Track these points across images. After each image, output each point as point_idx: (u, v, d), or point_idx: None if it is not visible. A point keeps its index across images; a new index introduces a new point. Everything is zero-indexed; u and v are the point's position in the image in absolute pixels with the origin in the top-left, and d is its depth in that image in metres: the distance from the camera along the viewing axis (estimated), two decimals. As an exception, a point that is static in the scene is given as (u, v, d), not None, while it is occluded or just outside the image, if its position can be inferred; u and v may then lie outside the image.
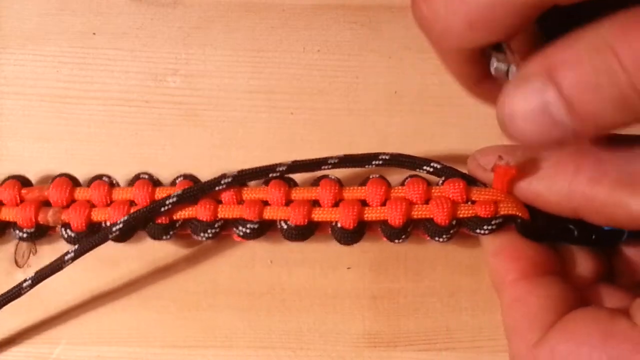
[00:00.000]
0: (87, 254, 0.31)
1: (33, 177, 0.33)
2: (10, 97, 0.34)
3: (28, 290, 0.30)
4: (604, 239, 0.29)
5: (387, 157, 0.30)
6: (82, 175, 0.33)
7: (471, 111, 0.33)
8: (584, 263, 0.30)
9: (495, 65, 0.26)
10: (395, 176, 0.31)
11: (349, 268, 0.33)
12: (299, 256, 0.33)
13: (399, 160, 0.30)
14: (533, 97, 0.23)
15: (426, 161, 0.30)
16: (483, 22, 0.24)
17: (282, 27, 0.34)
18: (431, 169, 0.30)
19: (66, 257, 0.30)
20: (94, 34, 0.34)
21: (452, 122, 0.33)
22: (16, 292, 0.31)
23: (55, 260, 0.30)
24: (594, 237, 0.29)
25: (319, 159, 0.30)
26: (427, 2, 0.25)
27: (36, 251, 0.33)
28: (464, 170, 0.31)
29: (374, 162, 0.30)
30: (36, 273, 0.30)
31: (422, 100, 0.34)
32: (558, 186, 0.27)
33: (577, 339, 0.26)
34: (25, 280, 0.30)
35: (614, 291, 0.29)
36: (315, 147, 0.33)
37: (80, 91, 0.34)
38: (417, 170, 0.30)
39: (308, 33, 0.34)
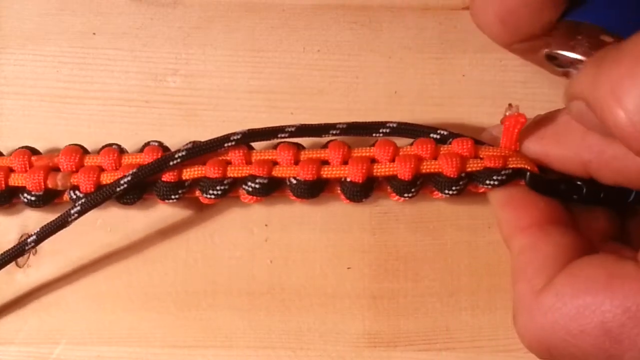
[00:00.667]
0: (87, 255, 0.31)
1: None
2: (10, 97, 0.34)
3: (32, 247, 0.30)
4: (612, 197, 0.29)
5: (394, 125, 0.31)
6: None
7: (471, 111, 0.33)
8: (595, 221, 0.30)
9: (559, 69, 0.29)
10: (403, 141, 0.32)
11: (349, 268, 0.33)
12: (299, 255, 0.33)
13: (405, 129, 0.31)
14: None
15: (432, 129, 0.31)
16: (512, 18, 0.25)
17: (282, 27, 0.34)
18: (438, 136, 0.31)
19: (72, 211, 0.30)
20: (94, 34, 0.34)
21: (452, 122, 0.33)
22: (20, 250, 0.31)
23: (61, 215, 0.30)
24: (602, 195, 0.29)
25: (327, 124, 0.31)
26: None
27: (36, 251, 0.33)
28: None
29: (381, 130, 0.31)
30: (41, 229, 0.30)
31: (422, 100, 0.34)
32: (569, 140, 0.27)
33: (582, 281, 0.25)
34: (29, 236, 0.30)
35: (624, 249, 0.29)
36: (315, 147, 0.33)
37: (80, 91, 0.34)
38: (423, 137, 0.31)
39: (308, 33, 0.34)
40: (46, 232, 0.30)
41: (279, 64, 0.34)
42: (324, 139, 0.32)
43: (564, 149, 0.28)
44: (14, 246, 0.31)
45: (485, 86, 0.34)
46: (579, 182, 0.29)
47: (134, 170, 0.30)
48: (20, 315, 0.33)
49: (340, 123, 0.31)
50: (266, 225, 0.33)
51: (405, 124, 0.31)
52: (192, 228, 0.33)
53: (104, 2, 0.34)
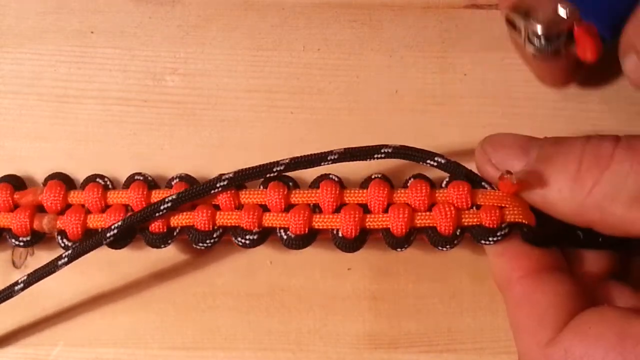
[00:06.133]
0: (87, 256, 0.30)
1: (31, 177, 0.33)
2: (8, 96, 0.34)
3: (20, 292, 0.30)
4: (611, 243, 0.28)
5: (389, 151, 0.29)
6: (80, 175, 0.33)
7: (472, 110, 0.33)
8: (592, 260, 0.30)
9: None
10: (399, 168, 0.31)
11: (349, 269, 0.33)
12: (299, 257, 0.33)
13: (402, 153, 0.30)
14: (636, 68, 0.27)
15: (430, 154, 0.30)
16: None
17: (281, 26, 0.34)
18: (435, 164, 0.30)
19: (59, 262, 0.30)
20: (92, 32, 0.34)
21: (453, 122, 0.33)
22: (8, 294, 0.30)
23: (48, 263, 0.30)
24: (601, 240, 0.28)
25: (319, 154, 0.29)
26: None
27: (33, 252, 0.33)
28: (468, 165, 0.30)
29: (376, 156, 0.30)
30: (29, 275, 0.30)
31: (423, 100, 0.33)
32: (574, 199, 0.26)
33: (592, 340, 0.25)
34: (17, 283, 0.30)
35: (624, 288, 0.28)
36: (315, 147, 0.33)
37: (78, 90, 0.34)
38: (421, 163, 0.30)
39: (308, 32, 0.34)
40: (34, 278, 0.30)
41: (278, 63, 0.34)
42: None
43: (567, 207, 0.27)
44: (1, 290, 0.30)
45: (486, 85, 0.33)
46: (578, 232, 0.28)
47: (119, 224, 0.29)
48: (18, 316, 0.32)
49: (334, 151, 0.30)
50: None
51: (402, 147, 0.30)
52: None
53: (102, 1, 0.34)
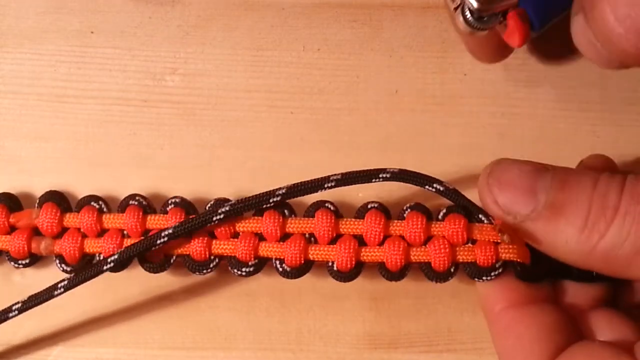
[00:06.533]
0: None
1: (30, 177, 0.33)
2: (8, 97, 0.34)
3: (16, 316, 0.30)
4: (605, 277, 0.28)
5: (387, 175, 0.29)
6: (80, 175, 0.33)
7: (472, 110, 0.33)
8: (581, 288, 0.29)
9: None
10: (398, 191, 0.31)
11: (349, 269, 0.33)
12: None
13: (400, 178, 0.29)
14: (580, 30, 0.26)
15: (429, 180, 0.29)
16: None
17: (281, 26, 0.34)
18: (433, 190, 0.29)
19: (55, 292, 0.30)
20: (92, 32, 0.34)
21: (453, 121, 0.33)
22: (3, 318, 0.30)
23: (44, 291, 0.30)
24: (594, 275, 0.28)
25: (317, 180, 0.29)
26: None
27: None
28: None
29: (374, 180, 0.29)
30: (23, 303, 0.30)
31: (423, 99, 0.33)
32: (580, 250, 0.26)
33: None
34: (11, 309, 0.30)
35: (613, 316, 0.28)
36: (315, 147, 0.33)
37: (78, 90, 0.34)
38: (420, 186, 0.30)
39: (308, 32, 0.34)
40: (31, 304, 0.30)
41: (278, 63, 0.34)
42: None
43: (570, 254, 0.26)
44: None
45: (486, 85, 0.33)
46: (570, 268, 0.28)
47: (116, 256, 0.29)
48: (18, 317, 0.32)
49: (331, 177, 0.29)
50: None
51: (401, 172, 0.29)
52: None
53: (102, 1, 0.34)
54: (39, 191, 0.32)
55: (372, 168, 0.29)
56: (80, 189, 0.33)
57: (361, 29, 0.34)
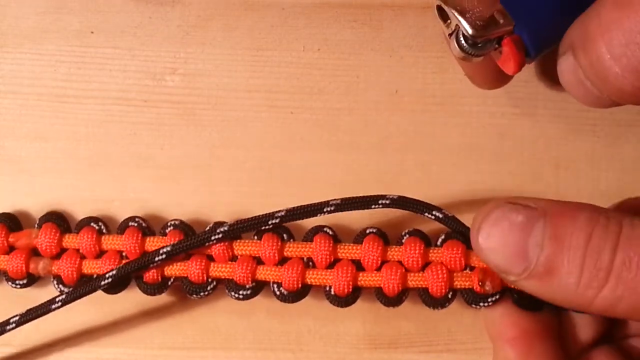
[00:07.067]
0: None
1: (30, 177, 0.33)
2: (8, 97, 0.34)
3: (13, 329, 0.30)
4: None
5: (387, 202, 0.29)
6: (80, 175, 0.33)
7: (472, 110, 0.33)
8: (585, 322, 0.30)
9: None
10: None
11: (349, 269, 0.33)
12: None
13: (400, 204, 0.29)
14: (569, 69, 0.26)
15: (428, 207, 0.29)
16: None
17: (281, 26, 0.34)
18: (432, 217, 0.29)
19: (52, 306, 0.30)
20: (92, 32, 0.34)
21: (453, 122, 0.33)
22: (0, 330, 0.31)
23: (41, 305, 0.30)
24: None
25: (316, 204, 0.29)
26: None
27: (33, 252, 0.33)
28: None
29: (373, 206, 0.30)
30: (20, 316, 0.30)
31: (423, 100, 0.33)
32: (576, 306, 0.26)
33: None
34: (8, 322, 0.30)
35: (610, 355, 0.29)
36: (315, 147, 0.33)
37: (78, 90, 0.34)
38: (419, 214, 0.30)
39: (308, 32, 0.34)
40: (29, 317, 0.30)
41: (278, 63, 0.34)
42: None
43: (567, 305, 0.26)
44: None
45: (487, 85, 0.33)
46: None
47: (113, 273, 0.30)
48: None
49: (330, 202, 0.29)
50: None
51: (402, 198, 0.29)
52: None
53: (102, 1, 0.34)
54: (39, 194, 0.32)
55: (371, 195, 0.29)
56: (80, 189, 0.33)
57: (361, 29, 0.34)
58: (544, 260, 0.25)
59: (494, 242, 0.26)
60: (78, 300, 0.32)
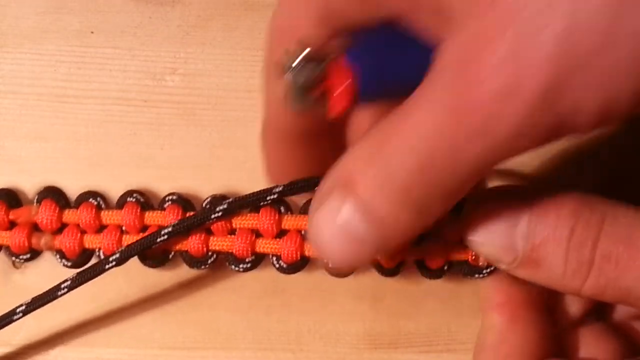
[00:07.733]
0: (85, 255, 0.30)
1: (31, 177, 0.33)
2: (8, 97, 0.34)
3: (20, 318, 0.30)
4: None
5: None
6: (80, 175, 0.33)
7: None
8: (574, 298, 0.30)
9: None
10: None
11: (349, 269, 0.33)
12: (299, 257, 0.33)
13: None
14: (331, 215, 0.22)
15: None
16: None
17: (281, 26, 0.34)
18: None
19: (59, 292, 0.30)
20: (92, 32, 0.34)
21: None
22: (7, 322, 0.30)
23: (46, 293, 0.30)
24: None
25: (314, 177, 0.29)
26: None
27: (33, 252, 0.33)
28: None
29: None
30: (28, 305, 0.30)
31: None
32: (564, 289, 0.27)
33: None
34: (15, 312, 0.30)
35: (601, 333, 0.29)
36: (315, 147, 0.33)
37: (78, 90, 0.34)
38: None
39: (308, 32, 0.34)
40: (35, 305, 0.30)
41: (278, 63, 0.34)
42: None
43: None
44: (1, 317, 0.30)
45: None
46: None
47: (118, 255, 0.30)
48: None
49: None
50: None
51: None
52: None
53: (102, 1, 0.34)
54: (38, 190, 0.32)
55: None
56: (80, 189, 0.33)
57: (361, 29, 0.34)
58: (530, 253, 0.26)
59: (482, 236, 0.27)
60: (78, 300, 0.32)
